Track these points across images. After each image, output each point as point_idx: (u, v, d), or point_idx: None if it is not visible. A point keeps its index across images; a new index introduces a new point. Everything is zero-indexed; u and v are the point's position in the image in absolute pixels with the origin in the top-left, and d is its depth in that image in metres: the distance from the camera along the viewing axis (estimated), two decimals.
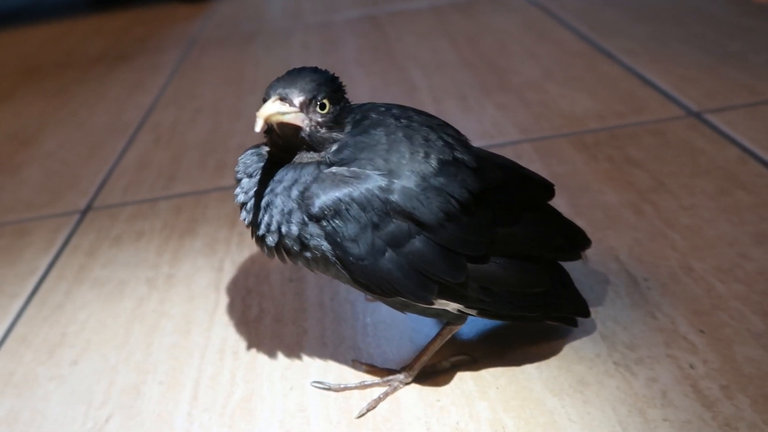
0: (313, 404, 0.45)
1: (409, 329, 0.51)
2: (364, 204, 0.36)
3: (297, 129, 0.37)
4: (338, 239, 0.36)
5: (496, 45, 1.11)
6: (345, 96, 0.41)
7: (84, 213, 0.75)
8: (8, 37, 1.69)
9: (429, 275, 0.37)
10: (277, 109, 0.36)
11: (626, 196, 0.64)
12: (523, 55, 1.05)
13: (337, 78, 0.40)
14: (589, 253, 0.57)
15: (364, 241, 0.36)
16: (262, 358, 0.50)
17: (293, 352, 0.50)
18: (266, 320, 0.54)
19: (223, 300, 0.57)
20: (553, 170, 0.71)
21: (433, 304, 0.40)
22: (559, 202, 0.65)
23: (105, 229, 0.71)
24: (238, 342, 0.52)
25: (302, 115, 0.37)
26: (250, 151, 0.41)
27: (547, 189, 0.45)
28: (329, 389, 0.46)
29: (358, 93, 1.00)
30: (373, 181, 0.36)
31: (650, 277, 0.53)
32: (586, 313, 0.46)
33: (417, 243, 0.37)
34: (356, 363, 0.48)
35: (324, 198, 0.36)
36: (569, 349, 0.47)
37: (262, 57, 1.24)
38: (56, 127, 1.03)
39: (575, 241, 0.46)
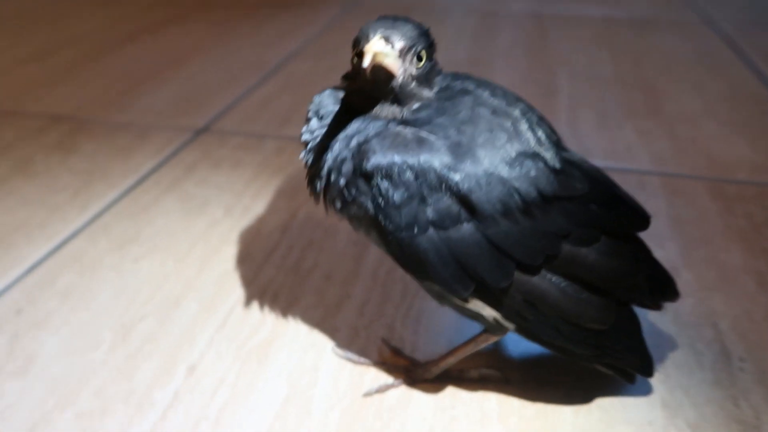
0: (326, 368, 0.43)
1: (452, 327, 0.47)
2: (418, 173, 0.33)
3: (390, 77, 0.34)
4: (382, 202, 0.34)
5: (661, 68, 1.01)
6: (434, 55, 0.38)
7: (198, 132, 0.79)
8: None
9: (468, 269, 0.33)
10: (382, 49, 0.33)
11: (754, 262, 0.55)
12: (688, 85, 0.94)
13: (430, 35, 0.37)
14: (684, 309, 0.49)
15: (407, 212, 0.33)
16: (297, 308, 0.49)
17: (329, 312, 0.48)
18: (316, 274, 0.53)
19: (285, 244, 0.57)
20: (676, 211, 0.62)
21: (467, 302, 0.36)
22: (670, 246, 0.57)
23: (210, 151, 0.74)
24: (282, 286, 0.51)
25: (399, 62, 0.34)
26: (327, 92, 0.39)
27: (640, 218, 0.39)
28: (348, 359, 0.44)
29: None
30: (436, 152, 0.33)
31: (748, 359, 0.44)
32: (648, 372, 0.39)
33: (464, 230, 0.33)
34: (384, 343, 0.45)
35: (380, 156, 0.33)
36: (618, 404, 0.41)
37: None
38: (207, 54, 1.09)
39: (659, 288, 0.39)
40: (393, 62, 0.33)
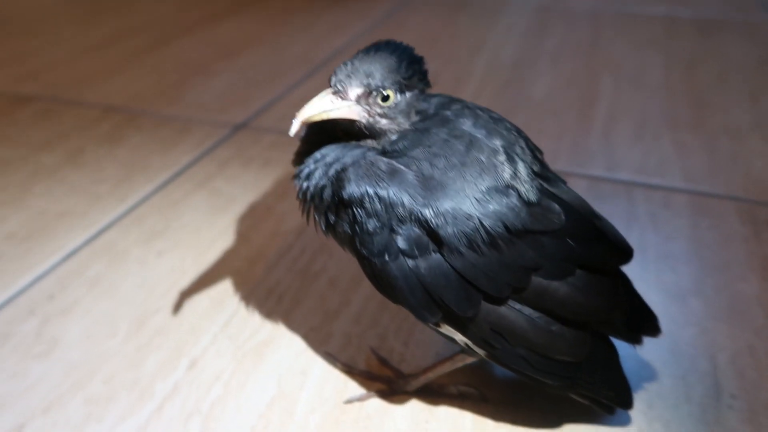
0: (315, 372, 0.46)
1: (441, 342, 0.48)
2: (387, 205, 0.34)
3: (350, 120, 0.36)
4: (357, 229, 0.35)
5: (716, 75, 0.96)
6: (424, 81, 0.38)
7: (237, 129, 0.83)
8: None
9: (435, 297, 0.35)
10: (320, 109, 0.35)
11: None
12: (742, 96, 0.89)
13: (417, 61, 0.37)
14: (683, 338, 0.48)
15: (379, 239, 0.35)
16: (298, 312, 0.51)
17: (327, 317, 0.51)
18: (322, 279, 0.55)
19: (298, 246, 0.59)
20: (698, 233, 0.61)
21: (439, 326, 0.37)
22: (683, 270, 0.56)
23: (244, 148, 0.78)
24: (287, 289, 0.54)
25: (358, 108, 0.36)
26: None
27: (621, 252, 0.39)
28: (336, 364, 0.46)
29: (531, 88, 0.94)
30: (406, 185, 0.34)
31: (740, 397, 0.44)
32: (626, 405, 0.40)
33: (432, 260, 0.34)
34: (373, 352, 0.47)
35: (354, 186, 0.35)
36: None
37: (463, 28, 1.22)
38: (257, 47, 1.13)
39: (637, 323, 0.39)
40: (345, 112, 0.35)
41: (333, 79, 0.36)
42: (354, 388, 0.44)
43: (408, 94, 0.37)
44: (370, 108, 0.36)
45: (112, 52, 1.12)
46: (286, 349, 0.48)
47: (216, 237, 0.61)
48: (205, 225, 0.63)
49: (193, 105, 0.90)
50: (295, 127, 0.35)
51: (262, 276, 0.56)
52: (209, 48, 1.14)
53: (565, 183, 0.40)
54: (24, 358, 0.47)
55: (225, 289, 0.54)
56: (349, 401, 0.43)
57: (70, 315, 0.51)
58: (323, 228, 0.38)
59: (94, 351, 0.48)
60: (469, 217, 0.34)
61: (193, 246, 0.60)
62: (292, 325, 0.50)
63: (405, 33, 1.20)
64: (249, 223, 0.63)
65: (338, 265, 0.57)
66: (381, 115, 0.36)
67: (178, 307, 0.52)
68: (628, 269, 0.41)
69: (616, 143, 0.78)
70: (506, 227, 0.34)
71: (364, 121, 0.36)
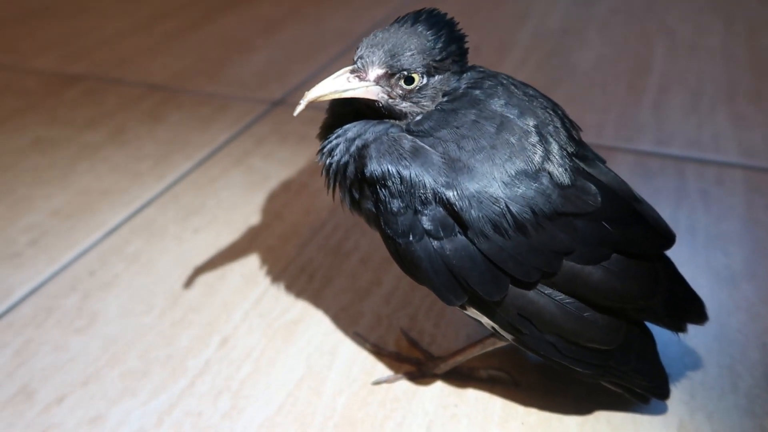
0: (344, 352, 0.45)
1: (472, 324, 0.47)
2: (409, 185, 0.33)
3: (369, 100, 0.35)
4: (382, 208, 0.34)
5: None
6: (460, 62, 0.36)
7: (274, 105, 0.83)
8: None
9: (460, 280, 0.34)
10: (332, 89, 0.33)
11: None
12: None
13: (456, 40, 0.35)
14: (732, 324, 0.46)
15: (404, 220, 0.34)
16: (329, 290, 0.51)
17: (358, 296, 0.50)
18: (354, 257, 0.55)
19: (330, 224, 0.59)
20: (753, 213, 0.57)
21: (465, 309, 0.36)
22: (734, 252, 0.53)
23: (280, 125, 0.77)
24: (319, 267, 0.54)
25: (377, 89, 0.34)
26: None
27: (661, 237, 0.36)
28: (365, 344, 0.45)
29: (578, 58, 0.90)
30: (430, 166, 0.33)
31: None
32: (662, 395, 0.38)
33: (458, 242, 0.33)
34: (403, 333, 0.46)
35: (376, 164, 0.34)
36: (629, 421, 0.39)
37: None
38: (298, 21, 1.12)
39: (680, 310, 0.37)
40: (362, 92, 0.34)
41: (356, 55, 0.34)
42: (382, 369, 0.44)
43: (437, 77, 0.35)
44: (391, 90, 0.34)
45: (156, 30, 1.13)
46: (316, 328, 0.48)
47: (251, 214, 0.61)
48: (241, 202, 0.63)
49: (233, 82, 0.91)
50: (300, 108, 0.33)
51: (294, 254, 0.56)
52: (250, 24, 1.14)
53: (604, 163, 0.38)
54: (65, 332, 0.49)
55: (257, 266, 0.54)
56: (377, 382, 0.43)
57: (109, 291, 0.53)
58: (348, 205, 0.38)
59: (131, 326, 0.49)
60: (496, 201, 0.32)
61: (228, 223, 0.60)
62: (323, 304, 0.50)
63: (446, 2, 1.16)
64: (283, 200, 0.63)
65: (370, 243, 0.56)
66: (403, 98, 0.34)
67: (211, 283, 0.53)
68: (675, 251, 0.39)
69: (667, 116, 0.73)
70: (534, 212, 0.32)
71: (382, 102, 0.34)
